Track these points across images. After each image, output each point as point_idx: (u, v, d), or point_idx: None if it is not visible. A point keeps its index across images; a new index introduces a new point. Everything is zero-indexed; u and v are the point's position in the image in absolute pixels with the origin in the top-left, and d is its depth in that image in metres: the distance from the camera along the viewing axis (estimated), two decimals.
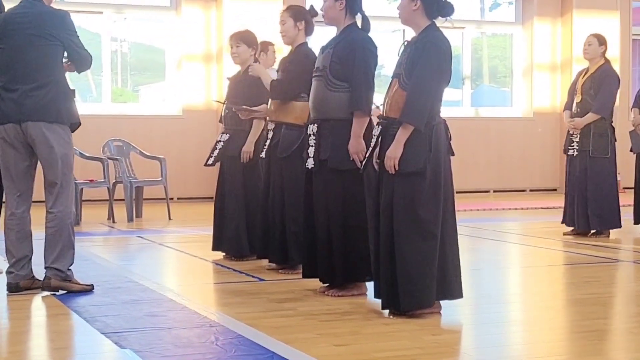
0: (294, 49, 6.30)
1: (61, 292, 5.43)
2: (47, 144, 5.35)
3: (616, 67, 13.84)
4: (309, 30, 6.33)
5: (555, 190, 14.81)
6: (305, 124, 6.15)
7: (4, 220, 5.60)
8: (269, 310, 4.95)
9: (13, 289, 5.48)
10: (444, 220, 4.73)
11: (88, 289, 5.50)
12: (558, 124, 14.78)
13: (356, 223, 5.30)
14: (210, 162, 7.07)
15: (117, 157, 10.28)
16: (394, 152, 4.64)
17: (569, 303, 5.31)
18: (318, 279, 5.52)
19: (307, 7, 6.29)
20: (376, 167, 4.91)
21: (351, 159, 5.25)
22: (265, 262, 6.49)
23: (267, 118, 6.46)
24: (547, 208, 11.87)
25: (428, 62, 4.66)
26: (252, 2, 12.83)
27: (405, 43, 4.88)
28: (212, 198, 13.03)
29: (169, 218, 10.29)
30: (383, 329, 4.47)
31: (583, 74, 8.50)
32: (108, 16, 13.15)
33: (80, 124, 5.51)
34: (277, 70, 6.42)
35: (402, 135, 4.64)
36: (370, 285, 5.34)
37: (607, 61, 8.51)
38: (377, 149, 4.85)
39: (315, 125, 5.41)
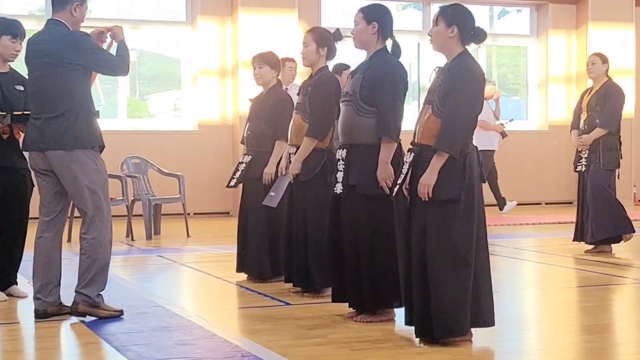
0: (315, 73, 6.27)
1: (89, 317, 5.40)
2: (70, 173, 5.34)
3: (631, 78, 13.90)
4: (330, 55, 6.31)
5: (571, 203, 14.71)
6: (327, 148, 6.15)
7: (34, 243, 5.59)
8: (299, 338, 4.92)
9: (41, 315, 5.47)
10: (477, 247, 4.70)
11: (116, 315, 5.47)
12: (569, 138, 14.70)
13: (385, 248, 5.27)
14: (232, 183, 7.06)
15: (136, 175, 10.26)
16: (428, 179, 4.61)
17: (597, 328, 5.27)
18: (347, 304, 5.50)
19: (333, 30, 6.28)
20: (406, 193, 4.89)
21: (380, 185, 5.23)
22: (289, 285, 6.46)
23: (287, 142, 6.42)
24: (563, 223, 11.80)
25: (463, 89, 4.63)
26: (268, 17, 12.82)
27: (437, 69, 4.85)
28: (227, 213, 13.19)
29: (188, 235, 10.26)
30: (416, 358, 4.44)
31: (587, 93, 8.51)
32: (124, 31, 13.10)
33: (103, 147, 5.47)
34: (299, 94, 6.38)
35: (436, 163, 4.61)
36: (398, 311, 5.33)
37: (609, 78, 8.53)
38: (409, 176, 4.82)
39: (345, 150, 5.39)
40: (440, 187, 4.61)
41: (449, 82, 4.68)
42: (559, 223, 11.86)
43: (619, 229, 8.31)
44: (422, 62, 14.23)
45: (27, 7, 13.38)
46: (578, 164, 8.45)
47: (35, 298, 5.51)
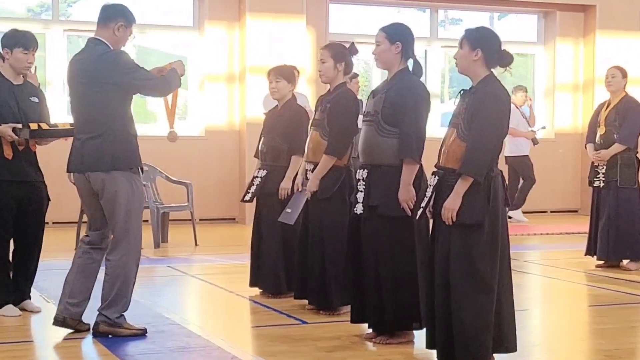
0: (333, 89, 6.25)
1: (110, 337, 5.38)
2: (106, 194, 5.33)
3: (639, 88, 13.85)
4: (347, 70, 6.30)
5: (576, 211, 14.74)
6: (346, 165, 6.12)
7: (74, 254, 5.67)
8: None
9: (59, 322, 5.49)
10: (501, 272, 4.68)
11: (140, 334, 5.45)
12: (579, 145, 14.68)
13: (406, 270, 5.25)
14: (247, 198, 7.00)
15: (145, 183, 10.22)
16: (453, 203, 4.58)
17: (619, 354, 5.24)
18: (364, 324, 5.47)
19: (347, 45, 6.26)
20: (429, 216, 4.86)
21: (401, 207, 5.20)
22: (304, 301, 6.42)
23: (304, 159, 6.38)
24: (570, 234, 11.79)
25: (488, 114, 4.60)
26: (275, 23, 12.77)
27: (462, 92, 4.82)
28: (233, 219, 13.14)
29: (196, 244, 10.22)
30: None
31: (605, 107, 8.46)
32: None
33: (142, 169, 5.48)
34: (316, 109, 6.34)
35: (461, 187, 4.58)
36: (417, 333, 5.30)
37: (627, 93, 8.49)
38: (432, 199, 4.79)
39: (365, 170, 5.35)
40: (464, 211, 4.58)
41: (474, 106, 4.64)
42: (566, 234, 11.82)
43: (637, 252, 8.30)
44: (429, 69, 14.17)
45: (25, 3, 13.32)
46: (595, 179, 8.40)
47: (60, 302, 5.53)
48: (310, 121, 6.50)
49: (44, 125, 6.01)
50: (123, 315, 5.44)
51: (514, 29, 15.47)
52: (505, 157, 12.98)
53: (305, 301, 6.34)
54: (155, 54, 14.50)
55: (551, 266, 8.87)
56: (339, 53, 6.25)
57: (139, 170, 5.46)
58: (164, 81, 5.47)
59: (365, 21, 14.62)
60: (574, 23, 14.79)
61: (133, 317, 5.93)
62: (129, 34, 5.48)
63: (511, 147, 12.95)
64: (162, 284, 7.98)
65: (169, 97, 5.83)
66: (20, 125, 5.92)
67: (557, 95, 14.77)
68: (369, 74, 14.60)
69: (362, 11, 14.54)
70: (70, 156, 5.46)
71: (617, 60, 14.05)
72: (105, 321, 5.38)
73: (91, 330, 5.45)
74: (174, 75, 5.52)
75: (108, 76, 5.27)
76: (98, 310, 5.42)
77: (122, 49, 5.46)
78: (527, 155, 13.04)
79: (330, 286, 6.05)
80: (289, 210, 6.50)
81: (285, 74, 6.94)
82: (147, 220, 10.48)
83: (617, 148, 8.22)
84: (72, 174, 5.53)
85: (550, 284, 7.88)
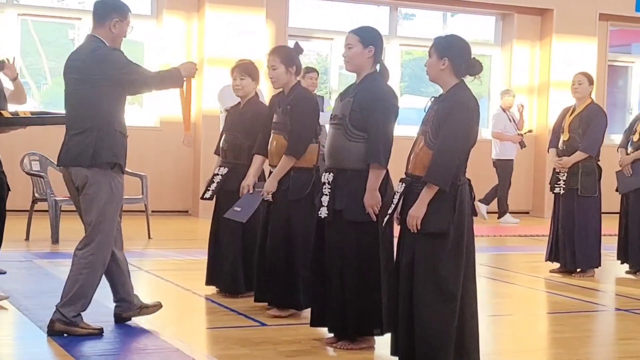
0: (290, 90, 6.17)
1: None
2: (87, 190, 5.28)
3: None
4: (298, 72, 6.23)
5: (527, 213, 14.86)
6: (314, 166, 6.06)
7: None
8: None
9: (119, 320, 5.66)
10: (465, 282, 4.66)
11: (95, 334, 5.35)
12: (533, 147, 14.82)
13: (369, 276, 5.22)
14: (207, 195, 6.91)
15: None
16: (417, 211, 4.55)
17: None
18: (324, 328, 5.43)
19: (292, 45, 6.24)
20: (396, 223, 4.83)
21: (367, 212, 5.17)
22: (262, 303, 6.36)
23: (268, 162, 6.29)
24: (523, 236, 11.90)
25: (455, 122, 4.58)
26: (235, 15, 12.67)
27: (432, 99, 4.79)
28: (186, 212, 13.02)
29: (149, 237, 10.11)
30: None
31: (570, 112, 8.50)
32: (87, 23, 12.88)
33: (121, 166, 5.37)
34: (274, 112, 6.22)
35: (426, 195, 4.55)
36: (378, 339, 5.28)
37: (592, 100, 8.54)
38: (399, 206, 4.76)
39: (331, 174, 5.31)
40: (429, 219, 4.56)
41: (443, 114, 4.62)
42: (519, 236, 11.93)
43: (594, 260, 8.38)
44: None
45: None
46: (556, 185, 8.43)
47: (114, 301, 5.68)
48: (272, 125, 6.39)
49: (5, 113, 5.91)
50: (80, 314, 5.33)
51: (472, 30, 15.54)
52: (492, 159, 13.16)
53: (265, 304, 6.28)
54: None
55: (506, 270, 8.91)
56: (289, 58, 6.17)
57: (121, 169, 5.38)
58: (156, 78, 5.45)
59: (324, 16, 14.58)
60: (531, 26, 14.91)
61: (87, 315, 5.83)
62: (126, 26, 5.43)
63: (498, 150, 13.17)
64: None
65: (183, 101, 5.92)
66: None
67: None
68: (327, 69, 14.54)
69: (322, 6, 14.50)
70: (60, 150, 5.42)
71: (571, 64, 14.24)
72: (60, 319, 5.28)
73: (47, 328, 5.35)
74: (172, 74, 5.52)
75: (99, 72, 5.21)
76: (56, 306, 5.32)
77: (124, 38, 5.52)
78: (512, 160, 13.25)
79: (299, 288, 5.98)
80: (237, 208, 6.38)
81: (250, 72, 6.86)
82: None
83: (579, 156, 8.26)
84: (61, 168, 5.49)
85: (507, 290, 7.91)
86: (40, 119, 6.46)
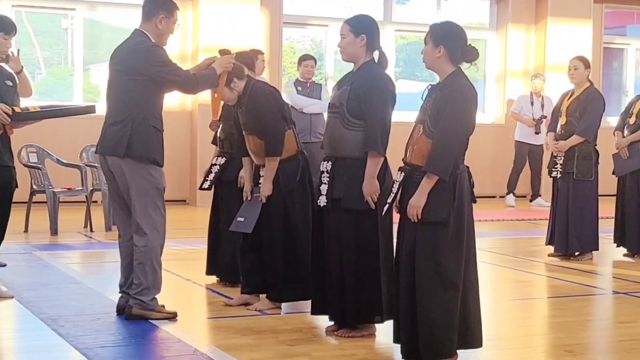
0: (243, 92, 6.04)
1: (67, 331, 5.30)
2: (123, 179, 5.46)
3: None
4: (240, 76, 6.05)
5: (524, 197, 14.87)
6: (297, 151, 6.02)
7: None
8: (284, 356, 4.86)
9: (121, 311, 5.65)
10: (466, 269, 4.68)
11: (171, 316, 5.61)
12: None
13: (369, 263, 5.23)
14: (205, 185, 6.92)
15: (95, 165, 10.06)
16: (418, 201, 4.56)
17: (579, 349, 5.29)
18: (325, 316, 5.45)
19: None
20: (396, 211, 4.84)
21: (365, 200, 5.18)
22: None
23: (254, 162, 6.17)
24: (520, 220, 11.93)
25: (454, 111, 4.57)
26: (229, 3, 12.65)
27: (430, 87, 4.79)
28: (184, 201, 13.02)
29: None
30: None
31: (568, 97, 8.50)
32: (80, 13, 12.87)
33: (159, 164, 5.56)
34: (239, 107, 6.09)
35: (426, 185, 4.56)
36: (379, 326, 5.30)
37: (591, 83, 8.54)
38: (399, 195, 4.77)
39: (330, 162, 5.32)
40: (429, 209, 4.56)
41: (441, 103, 4.62)
42: (517, 220, 11.96)
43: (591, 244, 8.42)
44: None
45: None
46: (553, 169, 8.44)
47: (120, 292, 5.70)
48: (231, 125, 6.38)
49: (16, 109, 5.97)
50: (155, 298, 5.59)
51: (466, 14, 15.53)
52: (515, 141, 13.39)
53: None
54: (105, 29, 14.30)
55: (505, 255, 8.93)
56: (239, 71, 6.01)
57: (157, 162, 5.53)
58: (193, 80, 5.57)
59: (318, 3, 14.56)
60: (526, 10, 14.89)
61: (87, 306, 5.90)
62: (173, 23, 5.57)
63: (517, 132, 13.38)
64: (114, 270, 7.72)
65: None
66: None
67: (508, 81, 14.88)
68: (322, 56, 14.53)
69: None
70: (100, 138, 5.59)
71: (567, 47, 14.25)
72: (139, 304, 5.50)
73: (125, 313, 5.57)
74: (209, 76, 5.64)
75: (139, 66, 5.38)
76: (131, 294, 5.53)
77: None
78: (528, 143, 13.60)
79: (299, 279, 5.95)
80: (240, 219, 6.25)
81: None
82: (96, 202, 10.46)
83: (575, 140, 8.26)
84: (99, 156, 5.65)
85: (506, 274, 7.94)
86: (53, 112, 6.48)
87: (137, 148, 5.42)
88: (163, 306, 5.68)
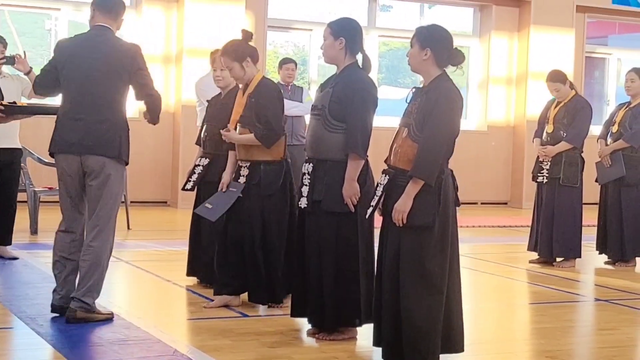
0: (252, 82, 6.08)
1: (45, 329, 5.27)
2: (103, 179, 5.34)
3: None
4: (255, 60, 6.14)
5: (505, 203, 14.93)
6: (283, 158, 6.03)
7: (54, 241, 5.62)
8: (263, 359, 4.83)
9: (57, 310, 5.54)
10: (450, 273, 4.67)
11: (110, 317, 5.53)
12: (511, 137, 14.92)
13: (349, 267, 5.21)
14: (188, 186, 6.89)
15: None
16: (404, 205, 4.54)
17: (561, 355, 5.29)
18: (304, 318, 5.44)
19: (244, 33, 6.28)
20: (378, 214, 4.83)
21: (345, 202, 5.16)
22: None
23: (237, 157, 6.16)
24: (501, 227, 11.96)
25: (441, 115, 4.56)
26: (214, 6, 12.62)
27: (414, 90, 4.78)
28: (165, 202, 12.97)
29: (128, 228, 10.07)
30: None
31: (555, 105, 8.53)
32: (65, 14, 12.81)
33: (127, 163, 5.50)
34: (249, 104, 6.11)
35: (411, 189, 4.54)
36: (360, 329, 5.28)
37: (576, 92, 8.58)
38: (382, 199, 4.76)
39: (311, 164, 5.30)
40: (415, 213, 4.54)
41: (427, 107, 4.60)
42: (497, 227, 11.99)
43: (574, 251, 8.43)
44: None
45: None
46: (539, 174, 8.47)
47: (54, 291, 5.57)
48: (233, 118, 6.28)
49: (4, 102, 5.93)
50: (95, 301, 5.49)
51: (450, 21, 15.56)
52: None
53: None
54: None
55: (486, 261, 8.94)
56: (239, 53, 6.10)
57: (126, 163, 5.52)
58: (158, 97, 5.58)
59: (303, 7, 14.57)
60: (509, 18, 14.95)
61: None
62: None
63: None
64: None
65: None
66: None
67: (491, 87, 14.93)
68: (306, 60, 14.53)
69: None
70: (63, 136, 5.38)
71: (549, 55, 14.32)
72: (83, 307, 5.38)
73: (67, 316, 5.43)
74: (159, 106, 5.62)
75: (127, 65, 5.37)
76: (74, 296, 5.40)
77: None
78: None
79: (276, 281, 5.97)
80: (209, 205, 6.25)
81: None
82: None
83: (563, 146, 8.30)
84: (59, 155, 5.44)
85: (487, 280, 7.94)
86: (43, 109, 6.43)
87: (125, 150, 5.42)
88: None
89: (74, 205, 5.54)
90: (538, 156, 8.52)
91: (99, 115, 5.35)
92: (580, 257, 8.46)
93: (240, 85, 6.29)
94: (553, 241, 8.35)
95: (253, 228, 5.99)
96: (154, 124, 5.67)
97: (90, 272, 5.39)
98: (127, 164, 5.51)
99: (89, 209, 5.45)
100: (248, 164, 6.06)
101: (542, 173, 8.43)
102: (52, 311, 5.54)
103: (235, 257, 6.08)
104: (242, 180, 6.06)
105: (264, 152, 5.98)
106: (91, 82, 5.37)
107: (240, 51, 6.11)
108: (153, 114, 5.57)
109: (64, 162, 5.42)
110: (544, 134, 8.47)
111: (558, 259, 8.46)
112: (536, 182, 8.54)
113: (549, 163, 8.37)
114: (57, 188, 9.69)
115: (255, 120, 5.96)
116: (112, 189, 5.40)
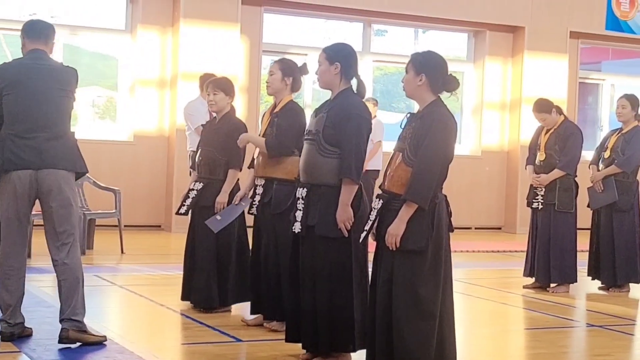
0: (280, 103, 6.20)
1: (38, 353, 5.24)
2: (63, 194, 5.37)
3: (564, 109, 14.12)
4: (295, 87, 6.28)
5: (500, 228, 14.94)
6: (296, 179, 6.06)
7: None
8: None
9: (7, 338, 5.46)
10: (443, 298, 4.67)
11: (102, 340, 5.50)
12: (505, 162, 14.95)
13: (342, 291, 5.20)
14: (182, 211, 6.89)
15: None
16: (397, 229, 4.56)
17: None
18: (298, 344, 5.42)
19: (300, 64, 6.30)
20: (372, 239, 4.84)
21: (339, 227, 5.17)
22: (237, 317, 6.36)
23: (254, 173, 6.32)
24: (495, 252, 11.95)
25: (435, 140, 4.59)
26: (209, 30, 12.67)
27: (409, 115, 4.81)
28: (159, 227, 12.96)
29: (122, 252, 10.05)
30: None
31: (545, 132, 8.56)
32: (61, 38, 12.83)
33: (85, 173, 5.61)
34: (271, 122, 6.22)
35: (405, 213, 4.56)
36: (354, 355, 5.27)
37: (566, 117, 8.62)
38: (376, 223, 4.76)
39: (305, 189, 5.31)
40: (408, 237, 4.56)
41: (421, 132, 4.63)
42: (491, 252, 11.98)
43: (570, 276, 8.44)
44: None
45: None
46: (534, 200, 8.49)
47: (2, 321, 5.49)
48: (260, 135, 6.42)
49: None
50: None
51: (444, 47, 15.63)
52: None
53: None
54: (85, 54, 14.27)
55: (480, 286, 8.93)
56: (288, 68, 6.26)
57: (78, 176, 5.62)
58: None
59: (298, 32, 14.62)
60: (503, 43, 15.02)
61: (48, 330, 5.78)
62: None
63: None
64: (89, 294, 7.70)
65: None
66: None
67: (485, 113, 14.97)
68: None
69: (295, 22, 14.54)
70: (16, 153, 5.38)
71: (543, 81, 14.39)
72: (75, 327, 5.38)
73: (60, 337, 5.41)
74: None
75: (73, 84, 5.57)
76: (64, 317, 5.39)
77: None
78: None
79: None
80: (218, 217, 6.41)
81: (223, 87, 6.88)
82: None
83: (557, 174, 8.33)
84: (13, 172, 5.39)
85: (481, 306, 7.93)
86: None
87: (79, 162, 5.52)
88: None
89: (20, 229, 5.50)
90: (532, 183, 8.54)
91: (52, 132, 5.41)
92: (576, 281, 8.46)
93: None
94: (551, 267, 8.36)
95: (266, 248, 6.10)
96: None
97: (72, 290, 5.41)
98: (81, 175, 5.62)
99: (52, 228, 5.44)
100: (263, 182, 6.16)
101: (537, 199, 8.44)
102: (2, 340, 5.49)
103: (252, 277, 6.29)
104: (257, 198, 6.18)
105: (277, 169, 6.06)
106: (41, 101, 5.43)
107: (291, 69, 6.27)
108: None
109: (16, 180, 5.36)
110: (537, 160, 8.50)
111: (552, 284, 8.46)
112: (531, 208, 8.55)
113: (544, 189, 8.40)
114: None
115: (275, 138, 6.11)
116: (72, 202, 5.45)
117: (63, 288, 5.41)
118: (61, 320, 5.41)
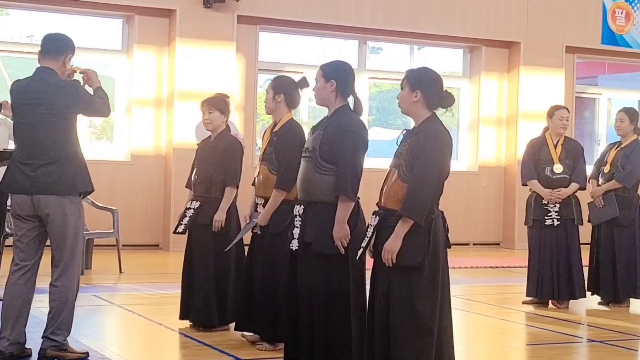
0: (280, 122, 6.23)
1: None
2: (59, 220, 5.39)
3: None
4: (290, 103, 6.27)
5: (498, 244, 14.92)
6: (295, 199, 6.05)
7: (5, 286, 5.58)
8: None
9: (6, 357, 5.46)
10: (441, 314, 4.66)
11: (83, 357, 5.51)
12: (502, 178, 14.93)
13: (339, 309, 5.18)
14: (180, 230, 6.88)
15: None
16: (393, 245, 4.55)
17: None
18: None
19: (298, 79, 6.31)
20: (369, 256, 4.83)
21: (335, 244, 5.15)
22: (236, 335, 6.35)
23: (254, 193, 6.31)
24: (494, 267, 11.93)
25: (430, 156, 4.59)
26: (205, 49, 12.68)
27: (405, 132, 4.80)
28: (157, 246, 12.93)
29: (120, 271, 10.03)
30: None
31: (555, 145, 8.56)
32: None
33: (92, 191, 5.61)
34: (271, 141, 6.23)
35: (401, 229, 4.55)
36: None
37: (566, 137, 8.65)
38: (373, 239, 4.75)
39: (302, 206, 5.31)
40: (404, 253, 4.55)
41: (416, 148, 4.63)
42: (490, 267, 11.96)
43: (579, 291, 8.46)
44: None
45: None
46: (547, 217, 8.44)
47: (2, 338, 5.49)
48: (260, 155, 6.44)
49: None
50: (67, 339, 5.49)
51: (440, 63, 15.66)
52: None
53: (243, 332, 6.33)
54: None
55: (479, 302, 8.91)
56: (278, 85, 6.27)
57: (86, 194, 5.65)
58: (106, 104, 5.71)
59: (293, 50, 14.65)
60: (499, 59, 15.04)
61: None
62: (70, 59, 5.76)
63: None
64: (87, 313, 7.75)
65: None
66: None
67: (482, 128, 14.96)
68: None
69: (291, 40, 14.57)
70: (14, 177, 5.47)
71: (539, 96, 14.40)
72: (54, 346, 5.40)
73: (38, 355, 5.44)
74: (106, 95, 5.74)
75: (70, 104, 5.46)
76: (45, 335, 5.44)
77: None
78: None
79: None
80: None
81: (218, 105, 6.89)
82: None
83: (572, 188, 8.38)
84: (11, 195, 5.55)
85: (481, 322, 7.91)
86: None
87: (80, 184, 5.49)
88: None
89: (24, 249, 5.55)
90: (536, 199, 8.49)
91: (46, 158, 5.42)
92: (585, 296, 8.43)
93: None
94: (560, 284, 8.33)
95: (262, 267, 6.13)
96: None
97: (58, 311, 5.46)
98: (88, 193, 5.63)
99: (52, 250, 5.51)
100: (263, 202, 6.18)
101: (550, 216, 8.42)
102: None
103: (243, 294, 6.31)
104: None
105: None
106: (35, 127, 5.45)
107: (281, 85, 6.31)
108: (100, 116, 5.85)
109: (16, 204, 5.50)
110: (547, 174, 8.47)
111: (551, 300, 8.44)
112: (544, 225, 8.45)
113: (558, 205, 8.39)
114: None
115: (274, 157, 6.14)
116: (72, 226, 5.44)
117: (51, 308, 5.49)
118: (42, 337, 5.48)
